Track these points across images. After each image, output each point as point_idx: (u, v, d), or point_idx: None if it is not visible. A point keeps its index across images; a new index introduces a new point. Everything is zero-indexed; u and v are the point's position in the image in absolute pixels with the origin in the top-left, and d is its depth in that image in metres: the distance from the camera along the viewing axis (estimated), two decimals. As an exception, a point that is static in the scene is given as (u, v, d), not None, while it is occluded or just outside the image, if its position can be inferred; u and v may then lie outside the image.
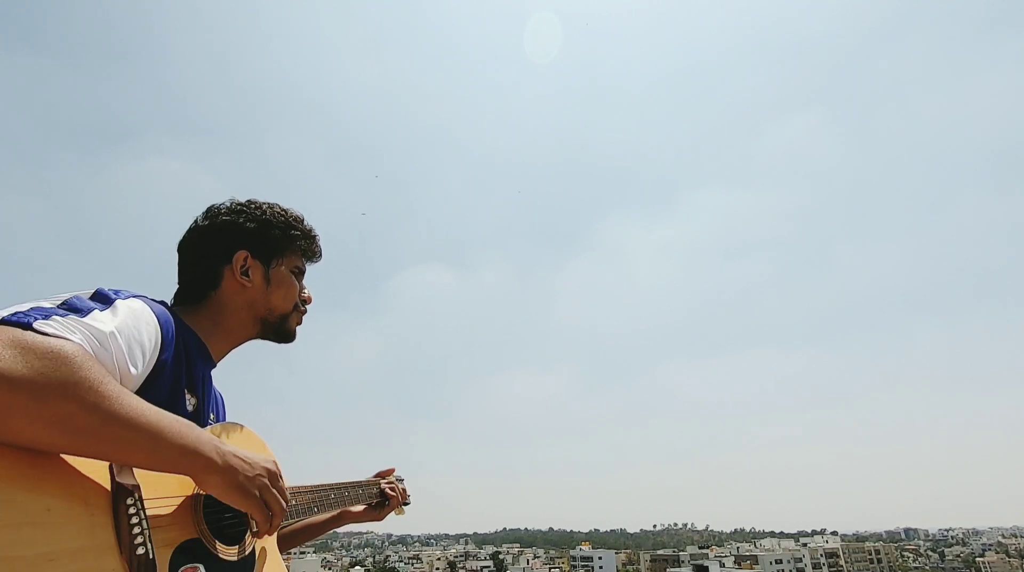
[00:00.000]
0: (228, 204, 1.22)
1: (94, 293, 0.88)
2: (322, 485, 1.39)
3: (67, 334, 0.72)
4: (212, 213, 1.20)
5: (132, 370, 0.84)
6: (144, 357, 0.88)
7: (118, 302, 0.87)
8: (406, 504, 1.77)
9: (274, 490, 0.91)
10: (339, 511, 1.61)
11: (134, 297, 0.93)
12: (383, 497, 1.68)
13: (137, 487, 0.80)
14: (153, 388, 0.92)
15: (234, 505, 0.87)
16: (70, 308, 0.79)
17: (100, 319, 0.80)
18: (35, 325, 0.69)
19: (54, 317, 0.73)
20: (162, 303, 1.03)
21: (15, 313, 0.71)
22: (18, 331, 0.67)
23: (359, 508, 1.66)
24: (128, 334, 0.84)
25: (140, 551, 0.76)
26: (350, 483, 1.56)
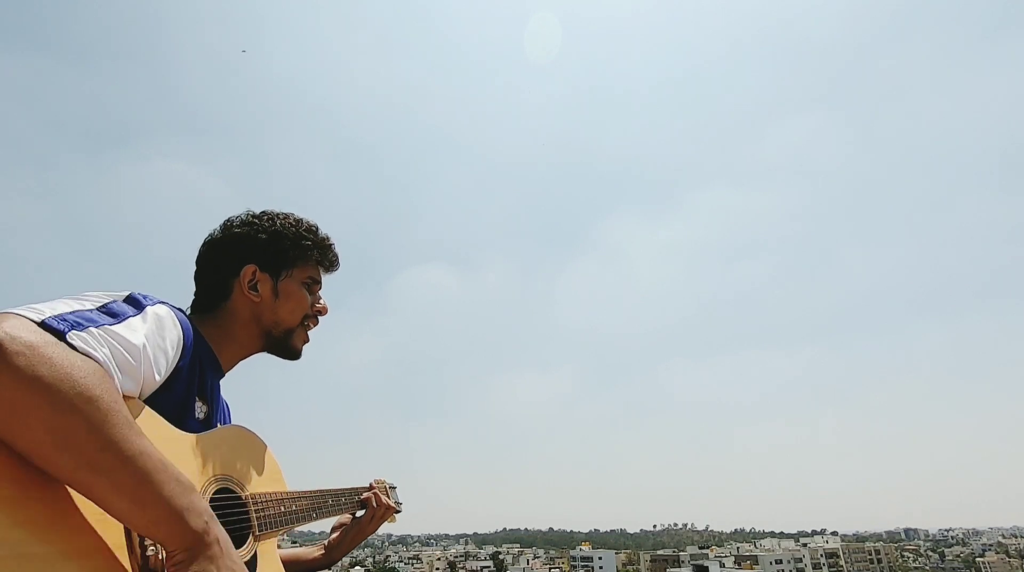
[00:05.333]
0: (242, 216, 1.23)
1: (127, 297, 0.91)
2: (319, 491, 1.35)
3: (95, 349, 0.73)
4: (226, 226, 1.22)
5: (156, 377, 0.88)
6: (167, 363, 0.92)
7: (148, 308, 0.90)
8: (397, 512, 1.60)
9: None
10: (327, 545, 1.50)
11: (160, 303, 0.96)
12: (362, 505, 1.52)
13: None
14: (167, 392, 0.94)
15: None
16: (108, 313, 0.82)
17: (133, 327, 0.83)
18: (68, 336, 0.71)
19: (89, 329, 0.75)
20: (180, 310, 1.05)
21: (55, 316, 0.72)
22: (52, 338, 0.69)
23: (345, 517, 1.52)
24: (155, 342, 0.87)
25: (150, 551, 0.78)
26: (343, 489, 1.48)
